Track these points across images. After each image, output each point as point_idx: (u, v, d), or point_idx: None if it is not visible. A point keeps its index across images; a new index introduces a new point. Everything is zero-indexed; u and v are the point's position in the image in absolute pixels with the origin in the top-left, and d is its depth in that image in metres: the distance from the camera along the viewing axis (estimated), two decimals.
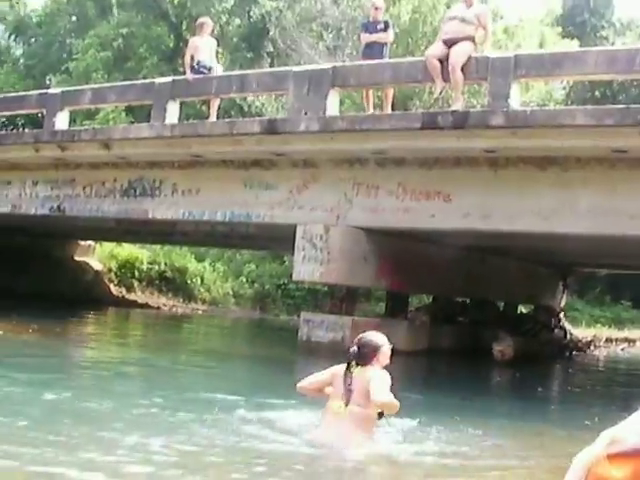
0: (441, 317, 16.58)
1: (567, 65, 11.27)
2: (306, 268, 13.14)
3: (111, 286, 25.00)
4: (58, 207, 16.45)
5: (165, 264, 26.48)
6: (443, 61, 11.59)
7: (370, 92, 13.79)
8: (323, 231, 12.99)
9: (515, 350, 15.80)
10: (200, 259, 28.09)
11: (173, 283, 26.63)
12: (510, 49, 23.14)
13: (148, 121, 14.95)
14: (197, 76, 14.00)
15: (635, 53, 10.80)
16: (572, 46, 26.95)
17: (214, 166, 14.41)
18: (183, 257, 27.39)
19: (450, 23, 11.99)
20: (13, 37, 37.13)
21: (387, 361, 5.74)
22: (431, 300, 18.51)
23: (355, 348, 5.67)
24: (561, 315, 21.11)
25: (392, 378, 5.55)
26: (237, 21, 33.90)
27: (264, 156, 13.63)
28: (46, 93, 17.28)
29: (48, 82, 31.77)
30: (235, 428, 6.08)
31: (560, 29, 31.22)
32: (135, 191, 15.40)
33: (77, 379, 9.26)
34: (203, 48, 14.19)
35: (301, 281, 16.76)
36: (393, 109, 13.66)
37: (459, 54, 11.47)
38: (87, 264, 24.45)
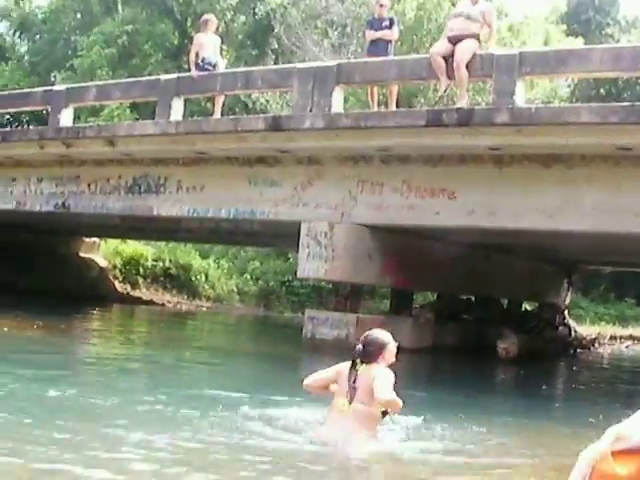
0: (445, 314, 16.57)
1: (572, 62, 11.26)
2: (310, 265, 13.13)
3: (116, 283, 25.02)
4: (63, 204, 16.46)
5: (170, 261, 26.49)
6: (448, 58, 11.58)
7: (375, 89, 13.79)
8: (328, 228, 12.98)
9: (519, 348, 15.79)
10: (204, 256, 28.07)
11: (178, 280, 26.64)
12: (515, 47, 23.13)
13: (153, 118, 14.98)
14: (202, 73, 14.03)
15: None
16: (577, 44, 26.92)
17: (219, 163, 14.41)
18: (188, 254, 27.38)
19: (455, 20, 11.97)
20: (18, 34, 37.11)
21: (393, 359, 5.72)
22: (435, 297, 18.48)
23: (360, 346, 5.65)
24: (565, 313, 21.06)
25: (396, 376, 5.54)
26: (242, 18, 33.89)
27: (268, 153, 13.63)
28: (51, 90, 17.27)
29: (53, 79, 31.74)
30: (239, 425, 6.08)
31: (565, 27, 31.16)
32: (140, 188, 15.41)
33: (82, 376, 9.26)
34: (208, 45, 14.23)
35: (305, 278, 16.74)
36: (398, 106, 13.62)
37: (464, 51, 11.46)
38: (92, 261, 24.48)
